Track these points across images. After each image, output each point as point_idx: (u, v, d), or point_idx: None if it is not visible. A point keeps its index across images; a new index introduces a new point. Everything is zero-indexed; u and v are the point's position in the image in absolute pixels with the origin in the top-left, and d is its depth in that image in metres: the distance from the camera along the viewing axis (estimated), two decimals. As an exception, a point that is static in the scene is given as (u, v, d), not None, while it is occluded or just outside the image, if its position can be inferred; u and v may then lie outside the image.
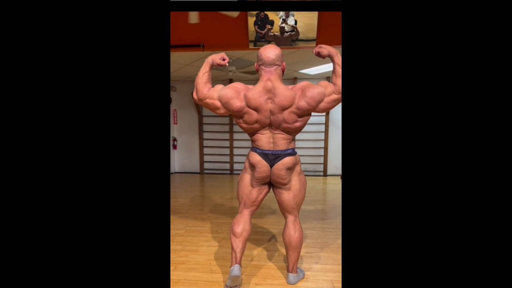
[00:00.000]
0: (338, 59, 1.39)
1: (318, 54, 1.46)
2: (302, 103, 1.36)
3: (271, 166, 1.45)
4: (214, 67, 1.50)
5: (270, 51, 1.36)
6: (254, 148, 1.49)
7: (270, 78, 1.36)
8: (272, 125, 1.43)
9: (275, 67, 1.37)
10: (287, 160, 1.44)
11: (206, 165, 5.25)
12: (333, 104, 1.40)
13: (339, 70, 1.38)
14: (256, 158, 1.46)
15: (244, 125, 1.46)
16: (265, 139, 1.45)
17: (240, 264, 1.46)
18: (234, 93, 1.39)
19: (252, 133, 1.49)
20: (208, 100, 1.44)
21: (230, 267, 1.46)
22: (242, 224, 1.52)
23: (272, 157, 1.45)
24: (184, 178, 4.81)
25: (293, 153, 1.47)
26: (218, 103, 1.43)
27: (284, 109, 1.37)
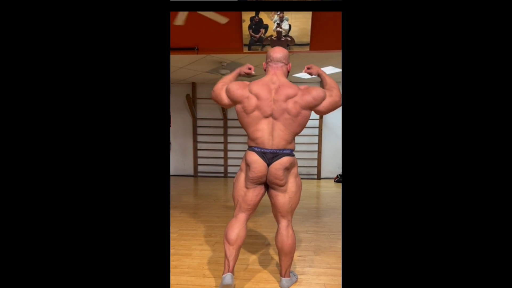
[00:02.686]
0: (326, 75, 1.58)
1: (309, 73, 1.64)
2: (308, 97, 1.43)
3: (269, 165, 1.43)
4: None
5: (278, 50, 1.51)
6: (252, 148, 1.47)
7: (276, 72, 1.48)
8: (274, 115, 1.42)
9: (281, 64, 1.49)
10: (285, 160, 1.43)
11: (200, 168, 5.23)
12: (334, 105, 1.48)
13: (331, 82, 1.53)
14: (253, 157, 1.44)
15: (244, 117, 1.46)
16: (266, 130, 1.43)
17: (232, 272, 1.44)
18: (240, 85, 1.49)
19: (252, 126, 1.46)
20: (217, 91, 1.54)
21: (223, 274, 1.44)
22: (236, 230, 1.49)
23: (270, 156, 1.43)
24: (178, 181, 4.77)
25: (291, 153, 1.47)
26: (224, 95, 1.51)
27: (288, 97, 1.41)
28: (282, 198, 1.49)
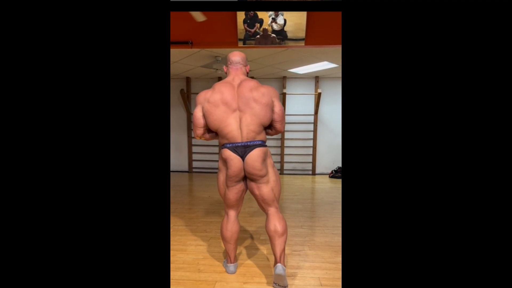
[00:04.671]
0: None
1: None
2: (271, 98, 1.52)
3: (242, 158, 1.48)
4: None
5: (236, 54, 1.61)
6: (224, 145, 1.52)
7: (236, 73, 1.57)
8: (240, 108, 1.48)
9: (240, 65, 1.59)
10: (259, 152, 1.48)
11: (195, 164, 5.21)
12: (278, 124, 1.57)
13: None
14: (226, 153, 1.49)
15: (212, 113, 1.49)
16: (234, 124, 1.47)
17: (235, 261, 1.69)
18: (201, 94, 1.56)
19: (221, 123, 1.49)
20: (203, 129, 1.59)
21: (228, 263, 1.69)
22: (229, 228, 1.62)
23: (241, 149, 1.48)
24: (173, 177, 4.75)
25: (263, 144, 1.51)
26: (202, 120, 1.55)
27: (252, 88, 1.49)
28: (265, 189, 1.54)
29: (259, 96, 1.47)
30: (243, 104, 1.47)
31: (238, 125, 1.48)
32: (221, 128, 1.50)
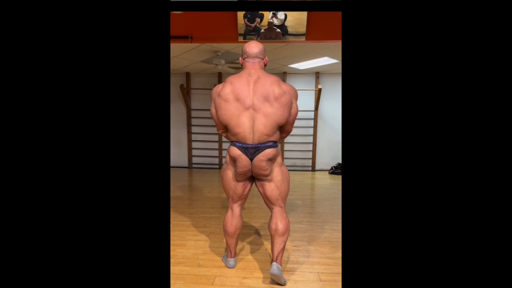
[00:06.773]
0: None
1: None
2: (286, 96, 1.42)
3: (251, 159, 1.44)
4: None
5: (254, 45, 1.48)
6: (234, 143, 1.47)
7: (253, 67, 1.46)
8: (254, 106, 1.39)
9: (258, 59, 1.48)
10: (268, 151, 1.43)
11: (194, 160, 5.21)
12: (288, 126, 1.53)
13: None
14: (235, 152, 1.45)
15: (222, 107, 1.42)
16: (246, 124, 1.40)
17: (235, 255, 1.70)
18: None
19: (232, 120, 1.42)
20: (220, 126, 1.55)
21: (228, 258, 1.70)
22: (234, 222, 1.61)
23: (252, 151, 1.43)
24: (173, 172, 4.76)
25: (274, 145, 1.46)
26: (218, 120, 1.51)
27: (272, 82, 1.40)
28: (269, 187, 1.52)
29: (280, 94, 1.37)
30: (259, 102, 1.38)
31: (250, 125, 1.40)
32: (232, 126, 1.43)
